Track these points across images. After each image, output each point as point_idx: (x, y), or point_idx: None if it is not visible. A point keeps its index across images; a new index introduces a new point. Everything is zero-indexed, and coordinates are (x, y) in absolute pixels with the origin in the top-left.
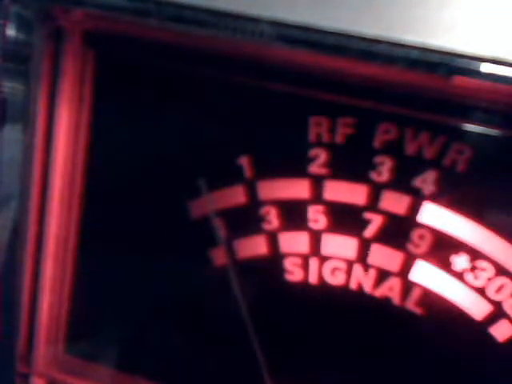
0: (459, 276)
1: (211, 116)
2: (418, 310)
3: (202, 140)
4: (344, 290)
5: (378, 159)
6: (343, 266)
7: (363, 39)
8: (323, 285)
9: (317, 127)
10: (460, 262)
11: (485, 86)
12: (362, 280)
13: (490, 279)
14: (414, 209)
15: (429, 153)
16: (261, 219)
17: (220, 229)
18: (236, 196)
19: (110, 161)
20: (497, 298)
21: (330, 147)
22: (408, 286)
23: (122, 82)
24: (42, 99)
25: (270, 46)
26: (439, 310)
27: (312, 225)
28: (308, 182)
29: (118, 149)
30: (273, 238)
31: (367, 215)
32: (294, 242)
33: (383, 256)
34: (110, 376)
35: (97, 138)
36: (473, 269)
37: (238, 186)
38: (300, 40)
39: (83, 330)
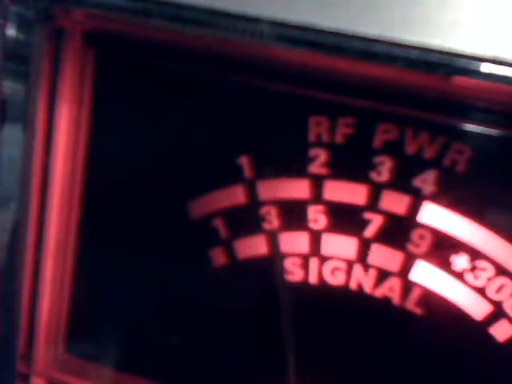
0: (459, 276)
1: (211, 116)
2: (417, 310)
3: (202, 140)
4: (344, 290)
5: (378, 159)
6: (343, 266)
7: (363, 39)
8: (323, 285)
9: (317, 127)
10: (460, 261)
11: (485, 86)
12: (362, 280)
13: (490, 279)
14: (414, 209)
15: (429, 153)
16: (261, 219)
17: (220, 229)
18: (236, 196)
19: (110, 161)
20: (497, 297)
21: (330, 147)
22: (408, 286)
23: (121, 82)
24: (42, 99)
25: (270, 46)
26: (439, 310)
27: (312, 225)
28: (308, 182)
29: (118, 149)
30: (273, 238)
31: (367, 215)
32: (294, 242)
33: (383, 256)
34: (110, 376)
35: (97, 138)
36: (473, 269)
37: (237, 185)
38: (300, 40)
39: (83, 329)
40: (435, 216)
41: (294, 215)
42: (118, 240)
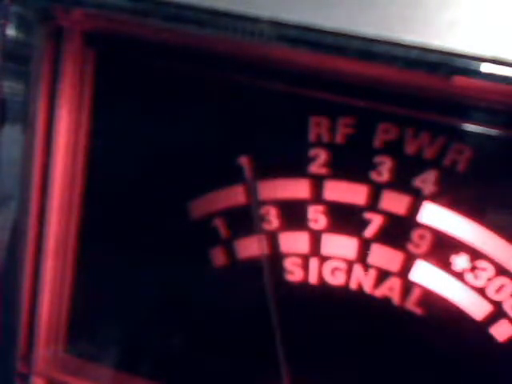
0: (459, 276)
1: (211, 116)
2: (417, 310)
3: (203, 140)
4: (344, 290)
5: (378, 159)
6: (343, 266)
7: (363, 39)
8: (323, 285)
9: (317, 127)
10: (460, 261)
11: (485, 86)
12: (362, 280)
13: (490, 279)
14: (414, 209)
15: (429, 153)
16: (261, 219)
17: (220, 229)
18: (236, 196)
19: (109, 161)
20: (497, 297)
21: (330, 147)
22: (408, 286)
23: (121, 82)
24: (42, 99)
25: (270, 46)
26: (439, 310)
27: (312, 225)
28: (308, 182)
29: (117, 149)
30: (273, 238)
31: (367, 215)
32: (294, 242)
33: (383, 256)
34: (110, 376)
35: (97, 138)
36: (473, 269)
37: (237, 186)
38: (300, 40)
39: (83, 329)
40: (435, 216)
41: (293, 215)
42: (117, 240)
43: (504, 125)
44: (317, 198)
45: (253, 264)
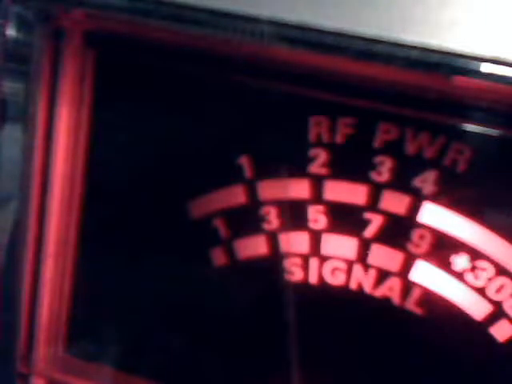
0: (459, 276)
1: (211, 116)
2: (418, 310)
3: (203, 140)
4: (344, 290)
5: (377, 159)
6: (343, 266)
7: (363, 39)
8: (323, 285)
9: (317, 127)
10: (460, 261)
11: (485, 86)
12: (362, 280)
13: (490, 279)
14: (414, 209)
15: (429, 153)
16: (261, 219)
17: (220, 229)
18: (236, 196)
19: (109, 161)
20: (497, 297)
21: (330, 147)
22: (408, 286)
23: (121, 81)
24: (42, 99)
25: (270, 46)
26: (439, 310)
27: (312, 225)
28: (308, 182)
29: (117, 149)
30: (273, 238)
31: (367, 215)
32: (294, 242)
33: (383, 256)
34: (110, 376)
35: (97, 138)
36: (473, 269)
37: (238, 186)
38: (300, 40)
39: (83, 329)
40: (435, 216)
41: (293, 215)
42: (117, 240)
43: (504, 125)
44: (317, 198)
45: (253, 264)
